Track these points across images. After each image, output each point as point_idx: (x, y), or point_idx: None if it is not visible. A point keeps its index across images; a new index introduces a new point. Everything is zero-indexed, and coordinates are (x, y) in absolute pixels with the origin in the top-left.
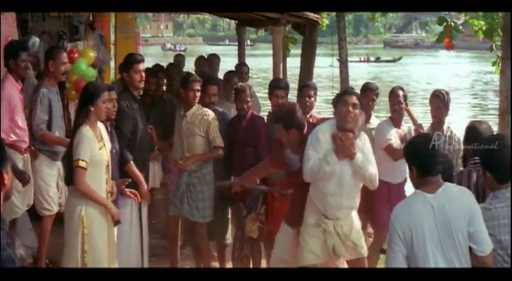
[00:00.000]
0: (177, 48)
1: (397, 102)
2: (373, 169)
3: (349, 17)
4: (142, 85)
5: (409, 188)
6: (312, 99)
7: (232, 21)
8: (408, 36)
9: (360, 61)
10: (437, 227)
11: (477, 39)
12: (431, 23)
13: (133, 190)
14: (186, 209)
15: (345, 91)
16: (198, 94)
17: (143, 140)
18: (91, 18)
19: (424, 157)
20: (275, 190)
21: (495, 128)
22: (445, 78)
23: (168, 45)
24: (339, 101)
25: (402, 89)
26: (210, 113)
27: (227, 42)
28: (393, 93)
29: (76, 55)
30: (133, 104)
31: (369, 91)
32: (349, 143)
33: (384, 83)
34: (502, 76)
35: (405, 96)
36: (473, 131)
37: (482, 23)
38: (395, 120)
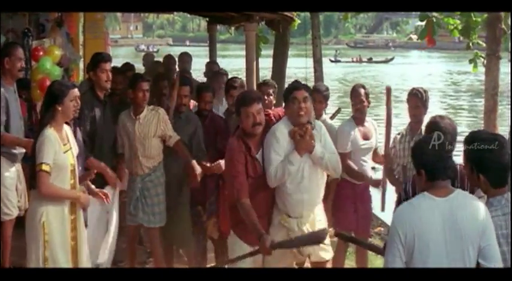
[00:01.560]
0: (150, 50)
1: (359, 100)
2: (333, 156)
3: (319, 17)
4: (109, 85)
5: (374, 190)
6: (271, 97)
7: (202, 22)
8: (379, 37)
9: (352, 61)
10: (445, 236)
11: (449, 39)
12: (402, 23)
13: (103, 190)
14: (141, 216)
15: (293, 86)
16: (148, 95)
17: (104, 143)
18: (58, 17)
19: (435, 160)
20: None
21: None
22: (417, 78)
23: (142, 47)
24: (288, 98)
25: (364, 87)
26: (161, 111)
27: (187, 43)
28: (355, 92)
29: (41, 53)
30: (96, 104)
31: (315, 93)
32: (309, 136)
33: (351, 84)
34: (488, 74)
35: (367, 95)
36: (432, 126)
37: (458, 21)
38: (357, 118)
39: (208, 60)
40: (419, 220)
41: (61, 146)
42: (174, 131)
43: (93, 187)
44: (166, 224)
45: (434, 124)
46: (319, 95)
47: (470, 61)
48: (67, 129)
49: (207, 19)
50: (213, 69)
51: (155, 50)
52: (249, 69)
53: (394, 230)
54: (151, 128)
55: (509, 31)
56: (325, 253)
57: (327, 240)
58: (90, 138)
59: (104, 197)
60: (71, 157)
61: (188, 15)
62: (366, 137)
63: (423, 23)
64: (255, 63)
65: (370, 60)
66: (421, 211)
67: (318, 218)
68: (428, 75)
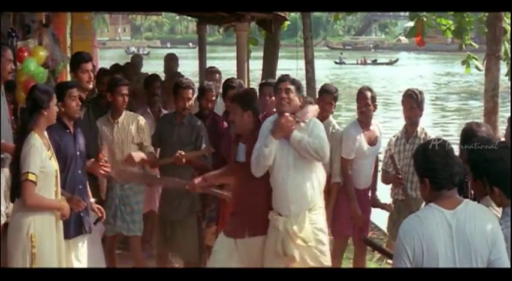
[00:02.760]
0: (141, 52)
1: (365, 103)
2: (315, 140)
3: (310, 17)
4: (90, 86)
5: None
6: (273, 98)
7: (190, 24)
8: (367, 39)
9: (357, 64)
10: (454, 250)
11: (438, 40)
12: (391, 25)
13: (101, 208)
14: (120, 224)
15: (279, 78)
16: (127, 99)
17: (87, 147)
18: (44, 20)
19: (439, 168)
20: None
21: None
22: (405, 80)
23: (132, 49)
24: (275, 90)
25: (370, 90)
26: (141, 119)
27: (168, 45)
28: (361, 94)
29: (26, 54)
30: (81, 106)
31: (325, 94)
32: (285, 121)
33: (345, 85)
34: (487, 74)
35: (373, 98)
36: (470, 134)
37: (451, 22)
38: (362, 122)
39: (197, 61)
40: (427, 233)
41: (46, 153)
42: (177, 137)
43: (92, 200)
44: (174, 234)
45: (470, 132)
46: (329, 96)
47: (463, 62)
48: (47, 135)
49: (196, 20)
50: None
51: (145, 52)
52: (241, 70)
53: (401, 246)
54: (130, 133)
55: (510, 31)
56: (316, 263)
57: (325, 248)
58: None
59: (100, 214)
60: (54, 163)
61: (176, 17)
62: (370, 142)
63: (412, 24)
64: (246, 64)
65: (375, 62)
66: (429, 224)
67: (314, 225)
68: (418, 77)
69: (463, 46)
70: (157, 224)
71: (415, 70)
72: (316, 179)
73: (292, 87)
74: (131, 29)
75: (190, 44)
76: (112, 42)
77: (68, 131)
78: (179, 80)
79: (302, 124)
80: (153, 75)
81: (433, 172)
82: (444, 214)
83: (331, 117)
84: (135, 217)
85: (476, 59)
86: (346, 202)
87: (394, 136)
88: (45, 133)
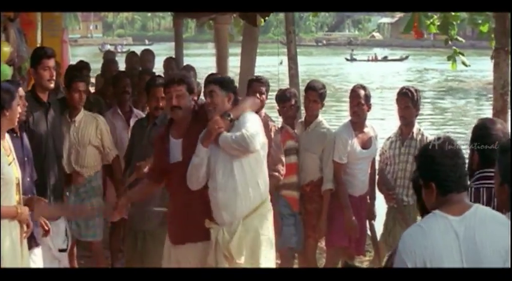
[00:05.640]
0: (119, 50)
1: (357, 103)
2: (238, 132)
3: (280, 15)
4: (51, 85)
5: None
6: (263, 96)
7: (162, 21)
8: (341, 35)
9: (368, 60)
10: (462, 262)
11: (412, 36)
12: (364, 21)
13: (45, 220)
14: (74, 228)
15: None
16: (84, 96)
17: (49, 151)
18: (12, 15)
19: (447, 169)
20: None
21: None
22: (379, 76)
23: (107, 46)
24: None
25: (364, 88)
26: (101, 120)
27: (125, 42)
28: (354, 93)
29: None
30: (37, 107)
31: (310, 91)
32: (213, 125)
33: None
34: (496, 70)
35: (367, 96)
36: (482, 132)
37: (435, 16)
38: (355, 123)
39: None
40: (432, 246)
41: (5, 158)
42: (148, 140)
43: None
44: (144, 246)
45: (484, 130)
46: (314, 93)
47: (449, 58)
48: (7, 138)
49: (173, 14)
50: (171, 66)
51: (124, 50)
52: (222, 67)
53: (401, 260)
54: (87, 134)
55: (510, 29)
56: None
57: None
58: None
59: (46, 230)
60: (15, 169)
61: (148, 14)
62: (364, 145)
63: (387, 20)
64: (228, 60)
65: (385, 59)
66: (432, 234)
67: (262, 232)
68: (394, 74)
69: (449, 41)
70: (127, 234)
71: (391, 66)
72: (262, 184)
73: (213, 88)
74: (103, 26)
75: (147, 41)
76: (84, 39)
77: (15, 135)
78: (151, 78)
79: (236, 122)
80: (120, 72)
81: (441, 174)
82: (450, 221)
83: (320, 117)
84: (88, 222)
85: (462, 55)
86: (340, 210)
87: (388, 139)
88: (7, 136)
